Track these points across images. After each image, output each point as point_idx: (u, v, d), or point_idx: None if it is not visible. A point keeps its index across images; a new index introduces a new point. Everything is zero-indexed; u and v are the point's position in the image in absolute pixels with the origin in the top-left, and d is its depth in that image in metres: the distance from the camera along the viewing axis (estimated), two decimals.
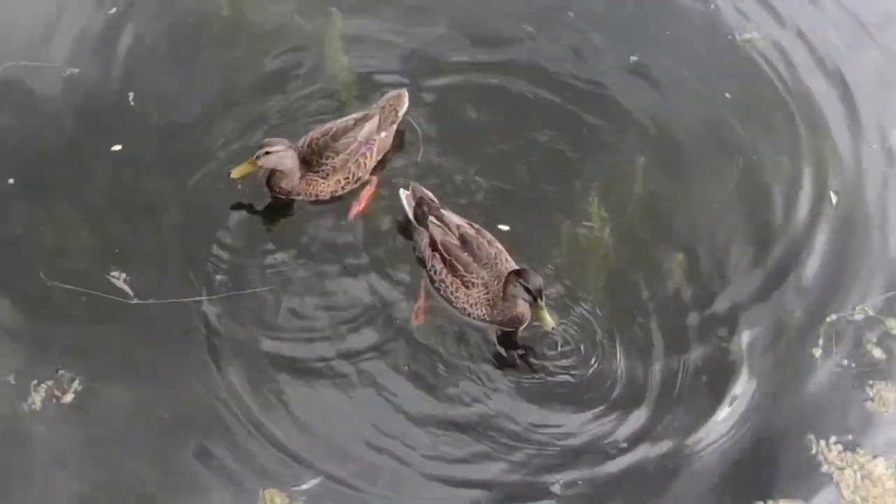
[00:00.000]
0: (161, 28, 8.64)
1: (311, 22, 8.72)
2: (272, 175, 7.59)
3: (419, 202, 7.47)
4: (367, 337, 7.21)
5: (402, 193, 7.57)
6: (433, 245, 7.32)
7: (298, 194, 7.68)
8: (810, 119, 8.52)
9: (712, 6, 9.12)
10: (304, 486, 6.56)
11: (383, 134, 7.82)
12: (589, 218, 7.77)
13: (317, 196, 7.69)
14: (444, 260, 7.26)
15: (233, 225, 7.62)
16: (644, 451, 6.87)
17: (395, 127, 7.91)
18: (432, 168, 7.99)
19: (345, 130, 7.72)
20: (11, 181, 7.71)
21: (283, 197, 7.67)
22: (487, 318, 7.22)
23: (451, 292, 7.24)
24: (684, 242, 7.77)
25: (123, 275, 7.26)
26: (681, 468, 6.84)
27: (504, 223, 7.70)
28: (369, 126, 7.75)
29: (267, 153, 7.39)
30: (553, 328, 6.98)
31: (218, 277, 7.34)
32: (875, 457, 6.96)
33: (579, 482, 6.74)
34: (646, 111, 8.43)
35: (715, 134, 8.36)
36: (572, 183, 7.99)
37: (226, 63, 8.47)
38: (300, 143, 7.69)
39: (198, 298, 7.22)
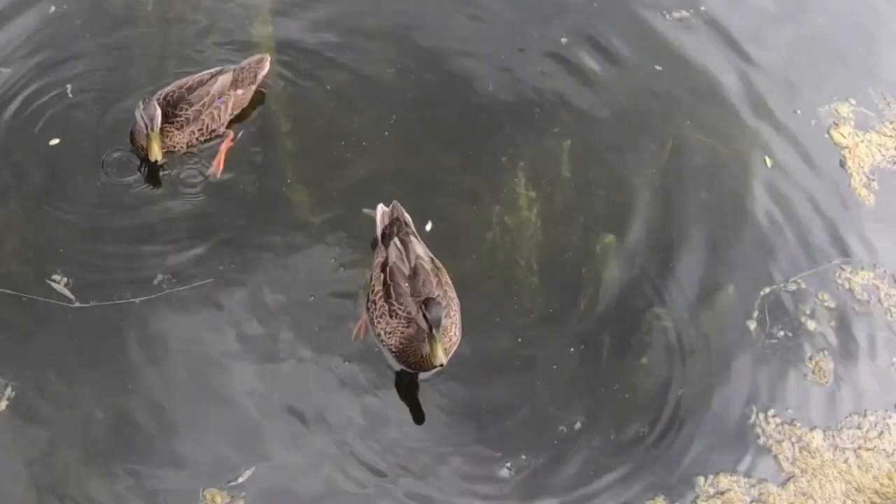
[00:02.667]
0: (96, 21, 8.59)
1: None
2: (138, 134, 7.75)
3: (392, 222, 7.28)
4: (304, 328, 7.19)
5: (380, 208, 7.40)
6: (383, 265, 7.11)
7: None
8: (742, 92, 8.55)
9: None
10: (241, 480, 6.60)
11: (240, 91, 8.03)
12: (517, 200, 7.79)
13: (171, 148, 7.84)
14: (384, 282, 7.05)
15: (171, 221, 7.59)
16: (582, 431, 6.91)
17: (253, 87, 8.12)
18: (358, 151, 7.99)
19: (199, 83, 7.93)
20: None
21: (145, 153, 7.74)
22: (394, 350, 6.93)
23: (377, 316, 7.00)
24: (614, 223, 7.77)
25: (65, 278, 7.24)
26: (621, 446, 6.89)
27: (430, 211, 7.71)
28: (222, 80, 7.96)
29: (152, 119, 7.56)
30: (441, 365, 6.70)
31: (159, 276, 7.31)
32: (813, 428, 7.02)
33: (524, 456, 6.80)
34: (575, 92, 8.42)
35: (645, 110, 8.38)
36: (499, 164, 8.00)
37: (160, 52, 8.46)
38: (155, 97, 7.82)
39: (140, 299, 7.20)
